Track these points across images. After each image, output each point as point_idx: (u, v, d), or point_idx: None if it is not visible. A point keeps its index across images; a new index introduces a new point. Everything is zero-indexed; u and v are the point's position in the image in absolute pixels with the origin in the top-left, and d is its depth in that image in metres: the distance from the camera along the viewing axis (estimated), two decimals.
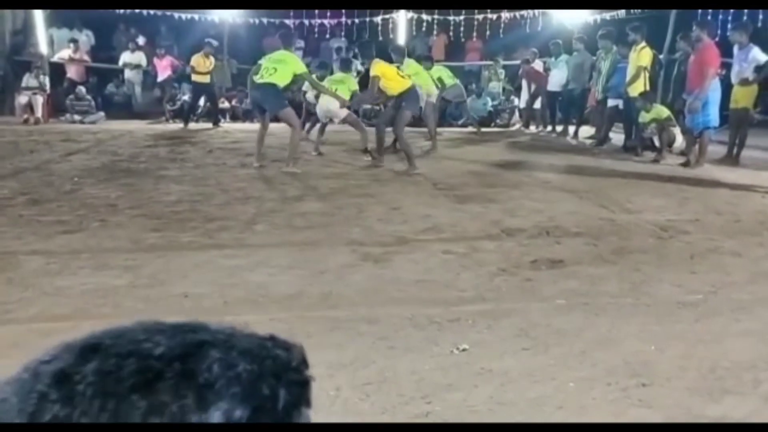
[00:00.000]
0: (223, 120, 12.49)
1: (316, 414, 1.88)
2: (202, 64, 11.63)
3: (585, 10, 13.11)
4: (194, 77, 11.72)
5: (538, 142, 10.25)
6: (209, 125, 11.78)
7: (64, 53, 12.92)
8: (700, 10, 11.03)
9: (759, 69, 7.60)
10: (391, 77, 7.11)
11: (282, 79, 6.74)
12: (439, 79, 9.64)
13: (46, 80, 12.01)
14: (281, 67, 6.71)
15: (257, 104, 6.99)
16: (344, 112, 8.10)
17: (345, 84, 8.24)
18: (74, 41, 13.01)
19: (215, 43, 12.29)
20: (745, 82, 7.68)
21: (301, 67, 6.94)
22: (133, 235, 4.29)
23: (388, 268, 3.67)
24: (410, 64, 8.59)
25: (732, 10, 10.68)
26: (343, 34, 15.20)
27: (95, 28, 14.21)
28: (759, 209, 5.38)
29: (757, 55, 7.57)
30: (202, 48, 11.77)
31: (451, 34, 15.13)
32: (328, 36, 15.28)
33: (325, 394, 2.25)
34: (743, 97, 7.75)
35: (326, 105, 8.08)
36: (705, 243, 4.28)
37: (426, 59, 9.93)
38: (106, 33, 14.58)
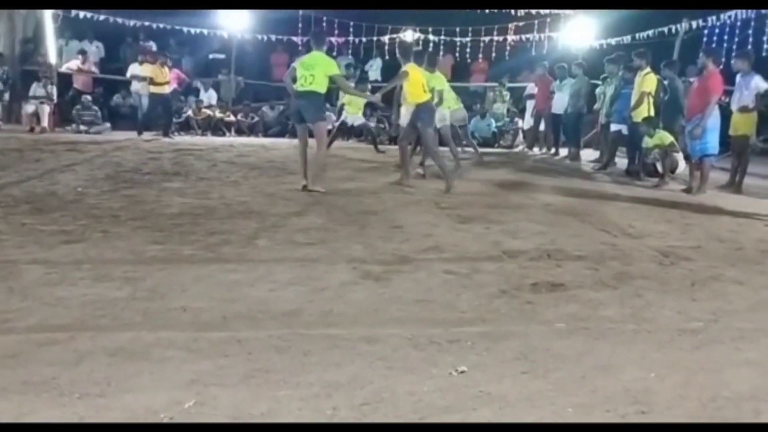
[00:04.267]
0: (178, 133, 12.53)
1: None
2: (159, 74, 11.71)
3: (590, 36, 13.24)
4: (152, 88, 11.78)
5: (541, 165, 10.28)
6: (187, 135, 11.96)
7: (73, 64, 13.03)
8: (705, 38, 11.13)
9: (763, 97, 7.66)
10: (417, 86, 7.17)
11: (321, 86, 6.56)
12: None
13: (54, 90, 12.09)
14: (316, 71, 6.49)
15: (299, 114, 6.71)
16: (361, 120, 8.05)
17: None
18: (83, 52, 13.12)
19: (152, 47, 12.51)
20: (745, 109, 7.72)
21: (331, 68, 6.74)
22: (134, 247, 4.29)
23: (388, 287, 3.66)
24: (439, 77, 8.62)
25: (736, 39, 10.75)
26: (350, 52, 15.33)
27: (105, 40, 14.36)
28: (761, 237, 5.37)
29: (759, 83, 7.62)
30: (158, 58, 11.90)
31: (457, 55, 15.26)
32: (335, 54, 15.40)
33: (321, 413, 2.23)
34: (743, 125, 7.79)
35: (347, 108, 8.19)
36: (707, 270, 4.26)
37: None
38: (116, 45, 14.73)
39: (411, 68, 7.28)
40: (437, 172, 7.43)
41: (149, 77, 11.85)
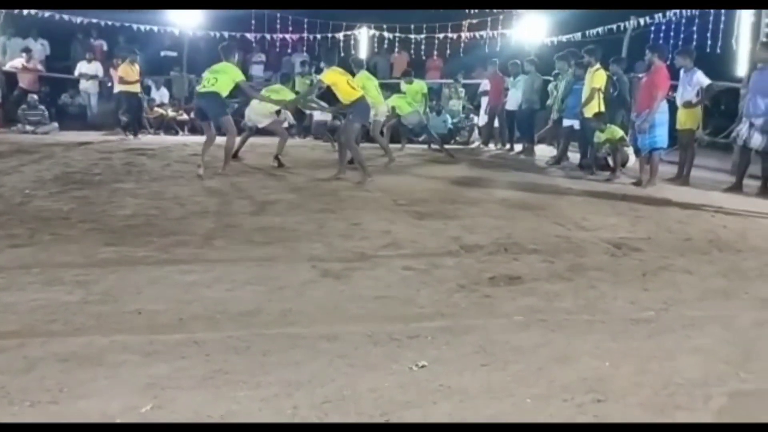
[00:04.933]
0: (150, 132, 12.42)
1: None
2: (129, 73, 11.50)
3: (542, 33, 13.47)
4: (123, 87, 11.56)
5: (497, 160, 10.40)
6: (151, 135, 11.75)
7: (17, 62, 12.59)
8: (652, 35, 11.43)
9: (706, 91, 7.94)
10: (341, 86, 7.34)
11: (223, 88, 7.22)
12: (393, 108, 9.84)
13: None
14: (221, 76, 7.19)
15: (201, 112, 7.57)
16: (268, 120, 8.58)
17: (280, 94, 8.69)
18: (27, 50, 12.70)
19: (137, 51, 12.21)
20: (688, 104, 7.99)
21: (239, 75, 7.43)
22: (85, 250, 4.18)
23: (348, 285, 3.65)
24: (362, 76, 8.77)
25: (682, 36, 11.07)
26: (305, 49, 15.23)
27: (51, 37, 13.91)
28: (708, 228, 5.54)
29: (701, 78, 7.90)
30: (127, 57, 11.68)
31: (412, 52, 15.32)
32: (290, 51, 15.29)
33: (282, 413, 2.22)
34: (688, 119, 8.05)
35: (248, 112, 8.74)
36: (657, 261, 4.38)
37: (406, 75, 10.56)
38: (63, 43, 14.28)
39: (329, 74, 7.42)
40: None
41: (119, 76, 11.57)
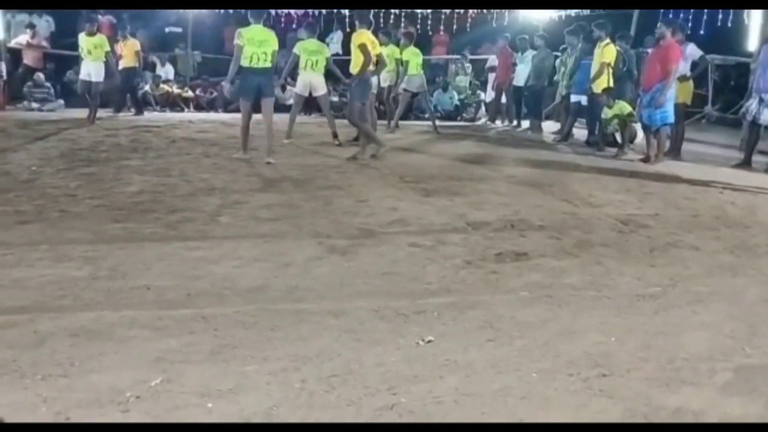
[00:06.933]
0: (152, 109, 12.32)
1: (281, 407, 1.89)
2: (118, 49, 11.41)
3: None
4: (122, 64, 11.46)
5: (504, 137, 10.35)
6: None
7: (22, 39, 12.53)
8: (662, 9, 11.27)
9: (699, 64, 8.01)
10: (364, 52, 6.94)
11: (272, 62, 6.86)
12: (405, 62, 9.72)
13: (3, 66, 11.63)
14: (269, 49, 6.73)
15: (258, 89, 6.76)
16: (324, 90, 8.34)
17: (322, 54, 8.29)
18: (32, 26, 12.63)
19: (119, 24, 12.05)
20: (682, 78, 7.95)
21: (276, 45, 6.96)
22: (93, 226, 4.20)
23: (354, 261, 3.66)
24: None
25: (692, 11, 10.92)
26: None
27: (55, 14, 13.82)
28: (716, 204, 5.52)
29: (693, 50, 7.91)
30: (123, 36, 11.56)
31: (418, 27, 15.15)
32: (294, 26, 15.15)
33: (290, 387, 2.24)
34: (681, 93, 8.01)
35: (308, 78, 8.27)
36: (664, 237, 4.38)
37: (406, 36, 10.35)
38: (67, 19, 14.18)
39: (365, 35, 7.06)
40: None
41: (119, 54, 11.47)
